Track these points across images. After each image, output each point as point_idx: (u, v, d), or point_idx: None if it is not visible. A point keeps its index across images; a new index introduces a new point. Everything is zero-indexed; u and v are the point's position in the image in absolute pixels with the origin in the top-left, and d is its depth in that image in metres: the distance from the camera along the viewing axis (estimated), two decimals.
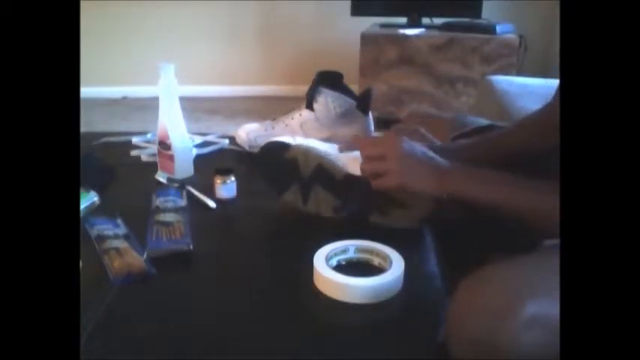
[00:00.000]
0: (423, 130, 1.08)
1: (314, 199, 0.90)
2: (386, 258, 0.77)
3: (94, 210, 0.95)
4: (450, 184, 0.79)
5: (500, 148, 0.98)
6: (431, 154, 0.84)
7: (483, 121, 1.14)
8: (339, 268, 0.77)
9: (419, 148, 0.84)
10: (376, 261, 0.79)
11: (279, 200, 0.94)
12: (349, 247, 0.80)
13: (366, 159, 0.84)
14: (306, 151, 0.91)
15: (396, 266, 0.74)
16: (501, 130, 1.04)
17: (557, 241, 0.52)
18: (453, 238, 0.90)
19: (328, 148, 0.93)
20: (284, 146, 0.92)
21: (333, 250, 0.78)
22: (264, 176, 0.96)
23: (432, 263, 0.82)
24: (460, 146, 1.02)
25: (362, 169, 0.85)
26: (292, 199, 0.92)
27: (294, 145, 0.92)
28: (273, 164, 0.93)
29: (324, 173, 0.89)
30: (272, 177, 0.95)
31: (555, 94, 0.96)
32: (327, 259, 0.76)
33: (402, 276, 0.74)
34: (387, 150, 0.82)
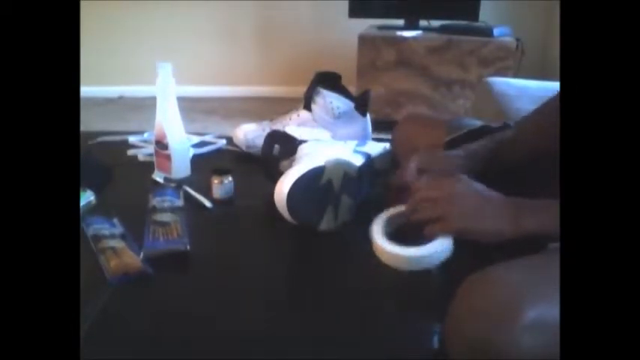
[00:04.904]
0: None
1: (342, 211, 0.88)
2: None
3: (90, 209, 0.95)
4: (528, 224, 0.71)
5: (508, 152, 0.96)
6: (487, 190, 0.76)
7: (478, 123, 1.14)
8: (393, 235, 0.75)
9: (478, 185, 0.77)
10: None
11: (316, 232, 0.87)
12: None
13: (413, 208, 0.77)
14: (336, 164, 0.86)
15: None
16: (504, 134, 1.02)
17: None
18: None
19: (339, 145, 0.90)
20: (318, 173, 0.85)
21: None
22: (296, 217, 0.85)
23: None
24: (469, 152, 0.99)
25: (411, 219, 0.77)
26: (327, 225, 0.87)
27: (327, 166, 0.85)
28: (309, 196, 0.85)
29: (348, 180, 0.87)
30: (307, 211, 0.86)
31: (548, 101, 0.94)
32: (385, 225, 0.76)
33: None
34: (437, 193, 0.75)
